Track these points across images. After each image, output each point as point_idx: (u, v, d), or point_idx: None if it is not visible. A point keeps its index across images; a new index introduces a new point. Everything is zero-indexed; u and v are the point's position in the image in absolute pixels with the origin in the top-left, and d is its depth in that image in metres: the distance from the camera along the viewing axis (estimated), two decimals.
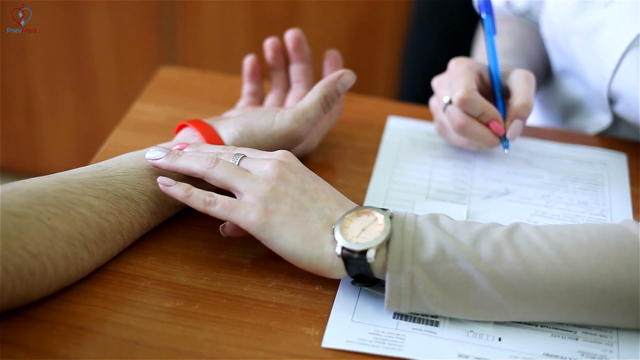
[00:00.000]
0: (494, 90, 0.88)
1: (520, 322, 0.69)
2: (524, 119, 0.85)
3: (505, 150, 0.86)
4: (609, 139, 0.96)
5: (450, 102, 0.85)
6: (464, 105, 0.84)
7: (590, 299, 0.67)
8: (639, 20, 0.84)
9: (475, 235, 0.68)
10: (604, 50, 0.88)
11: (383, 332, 0.68)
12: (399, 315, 0.70)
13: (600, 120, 0.95)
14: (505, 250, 0.67)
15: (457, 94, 0.84)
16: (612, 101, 0.92)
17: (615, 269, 0.66)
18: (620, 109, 0.92)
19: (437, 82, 0.89)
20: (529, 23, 1.07)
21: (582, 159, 0.92)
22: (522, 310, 0.68)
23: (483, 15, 0.89)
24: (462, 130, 0.85)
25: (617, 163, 0.92)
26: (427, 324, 0.69)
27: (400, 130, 0.96)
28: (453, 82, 0.85)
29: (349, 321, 0.69)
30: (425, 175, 0.89)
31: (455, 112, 0.85)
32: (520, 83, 0.86)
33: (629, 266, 0.66)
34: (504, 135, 0.85)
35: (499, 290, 0.67)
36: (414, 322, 0.69)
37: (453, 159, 0.92)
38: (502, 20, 1.08)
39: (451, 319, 0.69)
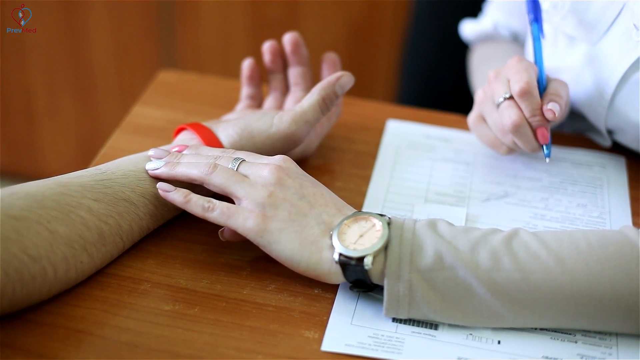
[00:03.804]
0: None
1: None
2: (556, 101, 0.83)
3: (547, 159, 0.84)
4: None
5: (510, 97, 0.83)
6: (524, 96, 0.81)
7: (589, 307, 0.67)
8: (627, 55, 0.84)
9: (473, 242, 0.68)
10: (595, 86, 0.88)
11: (382, 335, 0.68)
12: (398, 319, 0.70)
13: (600, 142, 0.95)
14: (503, 258, 0.67)
15: (520, 85, 0.81)
16: (611, 132, 0.92)
17: (614, 276, 0.66)
18: (620, 138, 0.92)
19: (494, 75, 0.86)
20: (521, 44, 1.07)
21: (581, 162, 0.92)
22: (521, 318, 0.68)
23: (530, 20, 0.88)
24: (516, 128, 0.82)
25: (616, 166, 0.92)
26: (426, 327, 0.69)
27: (399, 133, 0.96)
28: (514, 76, 0.83)
29: (348, 325, 0.69)
30: (424, 178, 0.89)
31: (512, 109, 0.82)
32: (555, 81, 0.86)
33: (628, 274, 0.66)
34: (547, 145, 0.84)
35: (497, 297, 0.67)
36: (413, 325, 0.69)
37: (452, 162, 0.92)
38: (497, 41, 1.09)
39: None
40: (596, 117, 0.90)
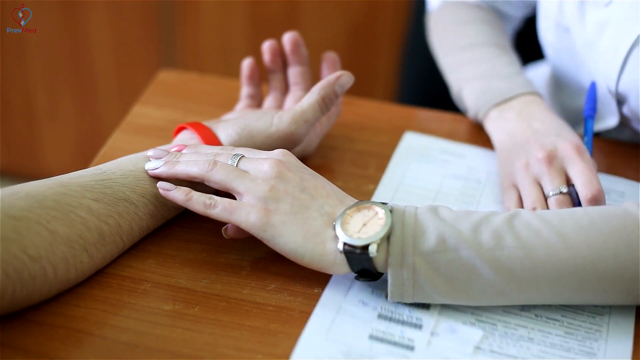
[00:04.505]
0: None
1: (502, 353, 0.67)
2: None
3: None
4: (621, 146, 0.94)
5: (564, 193, 0.79)
6: (594, 204, 0.77)
7: (593, 281, 0.67)
8: None
9: (475, 223, 0.68)
10: (609, 50, 0.87)
11: (355, 353, 0.66)
12: (374, 338, 0.68)
13: (607, 123, 0.94)
14: (505, 236, 0.67)
15: (592, 191, 0.78)
16: (619, 102, 0.92)
17: (616, 249, 0.67)
18: (629, 108, 0.91)
19: (546, 156, 0.81)
20: (493, 11, 1.05)
21: None
22: (525, 295, 0.68)
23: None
24: (598, 198, 0.78)
25: (635, 193, 0.87)
26: (402, 348, 0.67)
27: (414, 146, 0.93)
28: (579, 175, 0.79)
29: (323, 339, 0.67)
30: (430, 193, 0.86)
31: (565, 206, 0.79)
32: None
33: (630, 246, 0.67)
34: None
35: (501, 276, 0.67)
36: (389, 345, 0.67)
37: (463, 179, 0.88)
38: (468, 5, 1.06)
39: (428, 343, 0.67)
40: (608, 82, 0.89)
